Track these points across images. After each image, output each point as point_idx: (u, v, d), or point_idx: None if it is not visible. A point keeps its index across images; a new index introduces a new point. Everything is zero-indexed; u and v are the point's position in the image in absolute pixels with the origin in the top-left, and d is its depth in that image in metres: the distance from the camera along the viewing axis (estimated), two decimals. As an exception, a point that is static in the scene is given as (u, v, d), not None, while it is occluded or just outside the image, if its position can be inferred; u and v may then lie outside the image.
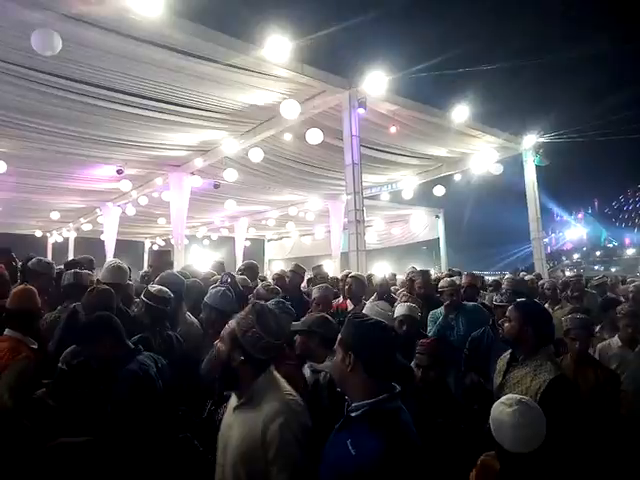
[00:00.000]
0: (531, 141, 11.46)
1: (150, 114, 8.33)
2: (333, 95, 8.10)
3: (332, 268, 14.20)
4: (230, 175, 10.71)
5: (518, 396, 1.89)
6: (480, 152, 11.59)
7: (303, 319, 2.81)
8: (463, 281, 5.19)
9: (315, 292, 4.14)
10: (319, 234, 20.34)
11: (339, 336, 1.74)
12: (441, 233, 17.45)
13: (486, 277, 10.24)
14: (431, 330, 4.17)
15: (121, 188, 12.30)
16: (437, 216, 17.49)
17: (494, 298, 3.80)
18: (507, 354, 2.70)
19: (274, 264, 22.81)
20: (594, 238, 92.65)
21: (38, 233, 21.91)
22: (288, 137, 9.65)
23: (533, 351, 2.48)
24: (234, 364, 1.83)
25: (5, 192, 13.34)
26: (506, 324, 2.62)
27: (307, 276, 6.65)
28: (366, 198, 11.25)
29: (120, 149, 10.24)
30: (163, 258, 5.31)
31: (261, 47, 6.53)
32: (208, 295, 3.19)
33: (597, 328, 4.27)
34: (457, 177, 13.12)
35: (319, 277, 5.96)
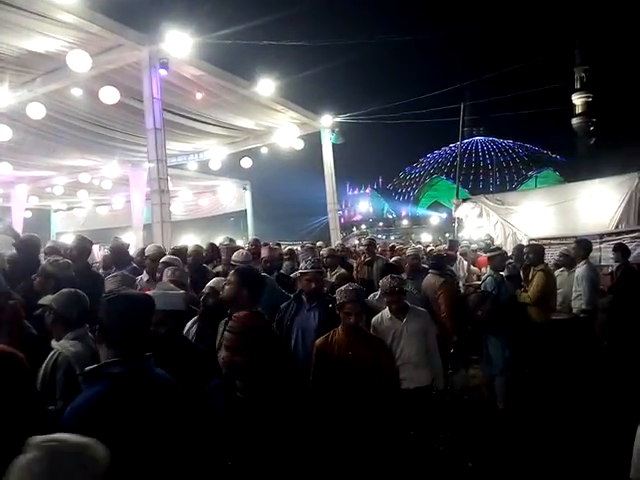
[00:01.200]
0: (328, 120, 12.46)
1: None
2: (130, 51, 7.43)
3: (134, 240, 13.25)
4: (2, 133, 8.93)
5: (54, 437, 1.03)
6: (284, 127, 12.10)
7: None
8: (262, 254, 5.20)
9: (109, 283, 3.67)
10: (118, 204, 18.61)
11: None
12: (248, 205, 17.78)
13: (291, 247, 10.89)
14: None
15: None
16: (245, 188, 17.73)
17: (302, 265, 3.58)
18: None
19: (64, 237, 20.12)
20: (378, 210, 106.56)
21: None
22: (77, 93, 8.51)
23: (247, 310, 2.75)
24: None
25: None
26: (226, 287, 2.89)
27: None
28: (171, 167, 10.76)
29: None
30: None
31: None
32: None
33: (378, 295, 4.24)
34: (264, 150, 13.47)
35: (115, 250, 5.26)
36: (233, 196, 17.88)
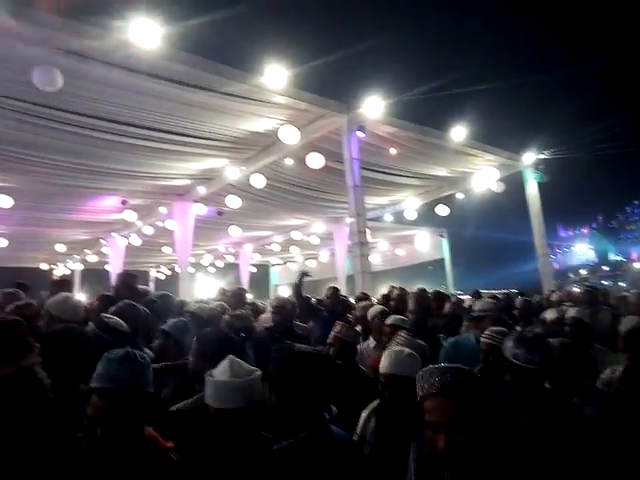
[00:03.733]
0: (531, 158, 11.47)
1: (152, 144, 8.42)
2: (331, 119, 8.18)
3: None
4: (233, 202, 10.75)
5: None
6: (481, 171, 11.60)
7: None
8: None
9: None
10: (324, 257, 20.29)
11: None
12: (446, 252, 17.35)
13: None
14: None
15: (126, 218, 12.37)
16: (441, 235, 17.42)
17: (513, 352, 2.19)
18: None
19: (280, 289, 22.68)
20: (600, 253, 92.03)
21: (43, 266, 21.92)
22: (289, 162, 9.71)
23: None
24: None
25: (10, 226, 13.39)
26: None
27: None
28: (369, 220, 11.24)
29: (124, 180, 10.33)
30: (126, 281, 4.32)
31: (259, 75, 6.64)
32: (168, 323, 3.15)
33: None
34: (460, 196, 13.10)
35: (328, 297, 5.81)
36: (430, 244, 17.71)
